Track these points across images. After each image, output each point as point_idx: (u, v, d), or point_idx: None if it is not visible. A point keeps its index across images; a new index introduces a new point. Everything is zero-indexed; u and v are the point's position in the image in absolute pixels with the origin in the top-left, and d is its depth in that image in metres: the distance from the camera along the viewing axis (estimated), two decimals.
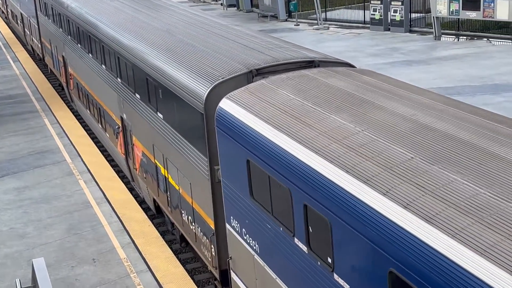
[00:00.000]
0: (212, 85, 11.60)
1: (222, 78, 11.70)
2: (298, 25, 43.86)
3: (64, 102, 28.79)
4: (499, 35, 34.94)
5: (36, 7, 33.33)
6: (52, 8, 28.29)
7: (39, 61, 38.82)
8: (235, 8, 53.00)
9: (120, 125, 18.67)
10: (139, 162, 17.25)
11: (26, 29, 40.58)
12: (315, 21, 43.36)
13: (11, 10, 48.85)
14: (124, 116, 18.02)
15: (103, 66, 19.77)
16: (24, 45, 43.50)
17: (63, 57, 27.37)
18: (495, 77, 27.50)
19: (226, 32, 15.82)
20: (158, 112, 14.68)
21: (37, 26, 34.19)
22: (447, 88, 25.72)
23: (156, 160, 15.50)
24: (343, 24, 42.57)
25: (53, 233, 16.58)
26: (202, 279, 15.09)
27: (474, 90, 25.72)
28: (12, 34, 48.01)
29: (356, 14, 42.39)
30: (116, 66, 18.04)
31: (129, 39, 17.14)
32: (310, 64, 12.15)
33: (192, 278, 14.57)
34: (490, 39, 35.06)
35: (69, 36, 25.15)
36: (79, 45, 23.34)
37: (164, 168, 14.90)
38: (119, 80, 17.99)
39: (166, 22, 18.09)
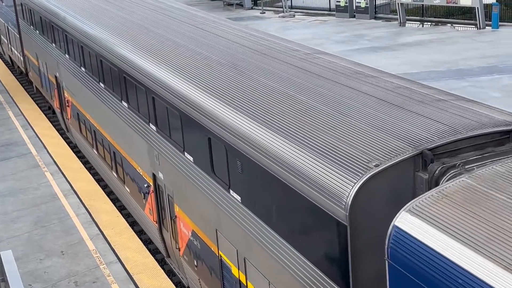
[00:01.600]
0: (362, 179, 7.06)
1: (376, 166, 7.15)
2: (264, 13, 43.82)
3: (28, 94, 28.40)
4: (462, 21, 35.33)
5: (17, 13, 28.08)
6: (41, 17, 23.10)
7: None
8: None
9: (151, 184, 13.95)
10: (185, 242, 12.67)
11: (2, 36, 34.68)
12: (281, 9, 43.35)
13: None
14: (160, 176, 13.28)
15: (125, 104, 14.95)
16: None
17: (56, 77, 22.32)
18: (460, 62, 27.82)
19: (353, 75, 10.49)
20: (237, 195, 9.83)
21: (18, 35, 28.63)
22: (412, 73, 25.95)
23: (221, 253, 10.95)
24: (309, 11, 42.66)
25: (20, 226, 16.38)
26: (172, 268, 15.04)
27: (439, 76, 25.98)
28: None
29: (321, 1, 42.49)
30: (152, 111, 13.13)
31: (174, 79, 12.11)
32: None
33: (162, 268, 14.51)
34: (454, 25, 35.43)
35: (66, 55, 20.11)
36: (83, 68, 18.34)
37: (239, 270, 10.39)
38: (153, 128, 13.25)
39: (232, 53, 12.80)
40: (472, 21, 34.31)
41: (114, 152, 16.65)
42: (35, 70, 26.40)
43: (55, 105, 23.57)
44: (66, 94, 21.33)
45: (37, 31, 24.19)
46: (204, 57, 12.62)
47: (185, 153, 11.60)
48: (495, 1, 34.08)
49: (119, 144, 16.09)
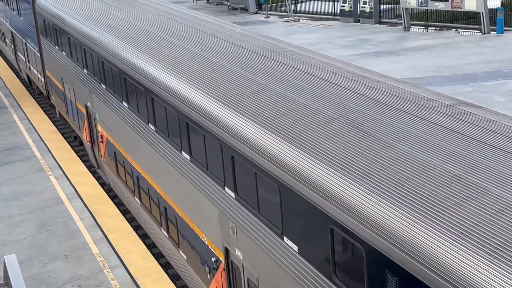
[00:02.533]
0: None
1: None
2: (269, 17, 43.85)
3: (33, 98, 28.47)
4: (467, 26, 35.30)
5: (39, 29, 24.65)
6: (70, 38, 19.82)
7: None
8: (205, 1, 52.83)
9: (221, 259, 11.10)
10: None
11: (19, 53, 30.66)
12: (285, 13, 43.38)
13: (4, 34, 36.33)
14: (238, 254, 10.43)
15: (186, 155, 11.95)
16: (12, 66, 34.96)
17: (86, 108, 19.31)
18: (464, 67, 27.78)
19: None
20: None
21: (38, 54, 25.38)
22: (417, 78, 25.92)
23: None
24: (313, 16, 42.67)
25: (24, 230, 16.40)
26: (176, 273, 15.03)
27: (443, 81, 25.95)
28: None
29: (326, 6, 42.50)
30: (230, 173, 10.17)
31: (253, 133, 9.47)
32: None
33: (166, 272, 14.51)
34: (458, 30, 35.40)
35: (102, 85, 16.95)
36: (125, 104, 15.25)
37: None
38: (230, 194, 10.34)
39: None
40: (477, 26, 34.28)
41: (165, 208, 13.61)
42: (59, 95, 23.20)
43: (84, 137, 20.41)
44: (99, 128, 18.25)
45: (64, 53, 21.04)
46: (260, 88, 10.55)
47: (284, 238, 8.82)
48: (500, 6, 34.04)
49: (174, 200, 12.99)
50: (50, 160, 20.80)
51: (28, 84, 30.28)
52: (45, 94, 26.33)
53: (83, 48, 18.28)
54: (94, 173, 20.34)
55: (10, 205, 17.89)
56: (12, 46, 32.33)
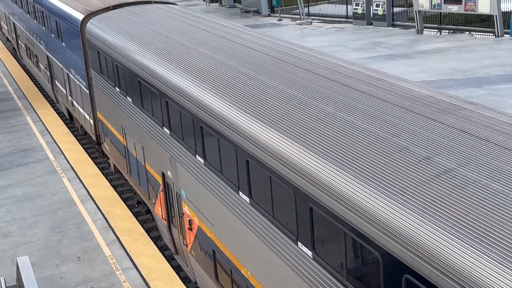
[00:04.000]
0: None
1: None
2: (281, 20, 43.85)
3: (46, 100, 28.59)
4: (481, 28, 35.12)
5: (89, 61, 19.36)
6: (141, 83, 14.49)
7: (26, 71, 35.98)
8: (218, 3, 52.90)
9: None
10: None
11: (58, 83, 25.61)
12: (298, 16, 43.36)
13: (25, 45, 32.72)
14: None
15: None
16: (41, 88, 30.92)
17: (164, 176, 14.20)
18: (478, 70, 27.65)
19: None
20: None
21: (87, 91, 20.33)
22: (430, 81, 25.83)
23: None
24: (326, 18, 42.62)
25: (37, 232, 16.46)
26: (188, 275, 15.04)
27: (457, 84, 25.84)
28: None
29: (338, 9, 42.45)
30: None
31: None
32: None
33: (178, 275, 14.52)
34: (472, 33, 35.24)
35: (199, 157, 11.78)
36: (243, 195, 10.11)
37: None
38: None
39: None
40: (490, 29, 34.11)
41: None
42: (118, 147, 18.12)
43: (158, 213, 15.44)
44: (186, 210, 13.10)
45: (129, 99, 15.77)
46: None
47: None
48: None
49: None
50: (63, 162, 20.88)
51: (68, 120, 25.69)
52: (93, 138, 21.13)
53: (165, 100, 13.03)
54: (106, 175, 20.40)
55: (23, 206, 17.97)
56: (48, 73, 27.05)
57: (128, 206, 17.95)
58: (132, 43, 15.68)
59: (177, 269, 15.28)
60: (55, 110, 27.07)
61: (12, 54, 38.92)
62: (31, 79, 32.52)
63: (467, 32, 35.44)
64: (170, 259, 15.62)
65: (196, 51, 13.63)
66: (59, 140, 22.94)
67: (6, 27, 41.62)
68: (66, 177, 19.66)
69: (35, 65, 30.88)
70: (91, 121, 20.62)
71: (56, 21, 23.18)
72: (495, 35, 33.54)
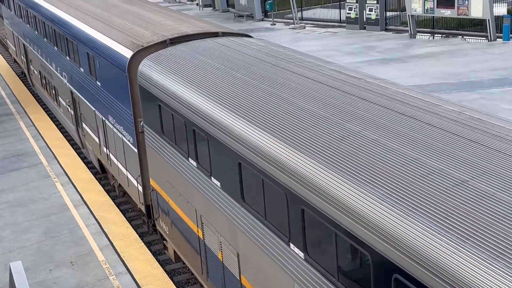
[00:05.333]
0: None
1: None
2: (275, 24, 43.90)
3: (39, 104, 28.53)
4: (473, 33, 35.24)
5: (139, 111, 14.80)
6: (242, 164, 9.72)
7: (19, 71, 35.30)
8: (211, 8, 52.96)
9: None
10: None
11: (86, 127, 20.53)
12: (291, 21, 43.42)
13: (39, 72, 27.81)
14: None
15: None
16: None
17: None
18: (470, 74, 27.74)
19: None
20: None
21: (134, 149, 15.42)
22: (423, 85, 25.89)
23: None
24: (319, 23, 42.69)
25: (30, 237, 16.41)
26: (182, 280, 15.02)
27: (450, 88, 25.91)
28: None
29: (332, 13, 42.53)
30: None
31: None
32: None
33: (172, 280, 14.49)
34: (464, 37, 35.35)
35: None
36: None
37: None
38: None
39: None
40: (483, 33, 34.22)
41: None
42: (186, 235, 13.26)
43: None
44: None
45: (215, 180, 10.92)
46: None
47: None
48: (506, 13, 33.99)
49: None
50: (56, 167, 20.83)
51: (99, 172, 20.98)
52: (141, 208, 16.07)
53: (284, 194, 8.55)
54: (100, 180, 20.36)
55: (16, 211, 17.91)
56: (72, 112, 22.13)
57: (121, 211, 17.91)
58: (214, 100, 10.86)
59: (171, 274, 15.26)
60: (48, 115, 27.00)
61: (18, 76, 34.37)
62: (24, 84, 32.43)
63: (460, 36, 35.55)
64: (163, 264, 15.59)
65: (311, 111, 9.42)
66: (52, 145, 22.89)
67: (14, 48, 35.28)
68: (59, 182, 19.62)
69: (52, 98, 25.83)
70: (139, 188, 15.59)
71: (88, 53, 18.20)
72: (488, 39, 33.65)
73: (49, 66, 24.73)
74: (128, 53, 14.97)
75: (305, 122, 9.05)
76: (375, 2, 38.53)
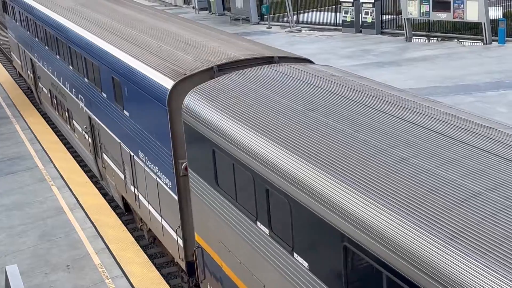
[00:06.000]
0: None
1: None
2: (271, 27, 43.92)
3: (36, 108, 28.50)
4: (469, 36, 35.30)
5: (181, 152, 12.41)
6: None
7: (12, 69, 35.73)
8: (207, 11, 52.97)
9: None
10: None
11: (107, 158, 17.92)
12: (287, 24, 43.45)
13: (49, 91, 25.14)
14: None
15: None
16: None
17: None
18: (466, 77, 27.78)
19: None
20: None
21: (173, 195, 12.88)
22: (419, 89, 25.92)
23: None
24: (315, 26, 42.74)
25: (26, 240, 16.37)
26: (178, 283, 15.00)
27: (445, 91, 25.95)
28: None
29: (328, 17, 42.58)
30: None
31: None
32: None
33: (168, 283, 14.47)
34: (460, 40, 35.42)
35: None
36: None
37: None
38: None
39: None
40: (479, 37, 34.29)
41: None
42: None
43: None
44: None
45: (305, 264, 8.29)
46: None
47: None
48: (501, 17, 34.08)
49: None
50: (52, 170, 20.80)
51: (124, 213, 18.20)
52: (180, 263, 13.60)
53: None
54: (96, 183, 20.34)
55: (12, 215, 17.87)
56: (91, 140, 19.30)
57: (117, 214, 17.89)
58: (294, 153, 8.51)
59: (167, 277, 15.24)
60: (44, 118, 26.96)
61: (23, 91, 31.53)
62: (20, 87, 32.35)
63: (456, 40, 35.62)
64: (160, 267, 15.57)
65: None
66: (48, 148, 22.85)
67: (19, 62, 32.16)
68: (55, 185, 19.59)
69: (64, 120, 23.10)
70: (179, 241, 13.04)
71: (113, 77, 15.67)
72: (484, 43, 33.72)
73: (62, 86, 22.02)
74: (168, 83, 12.29)
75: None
76: (371, 5, 38.58)
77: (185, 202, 12.54)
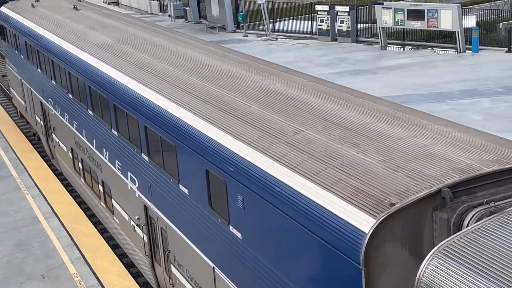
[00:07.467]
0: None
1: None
2: (247, 36, 44.02)
3: (10, 116, 28.21)
4: (443, 44, 35.69)
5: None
6: None
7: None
8: (183, 19, 52.92)
9: None
10: None
11: (177, 270, 11.99)
12: (264, 32, 43.57)
13: (71, 149, 18.82)
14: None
15: None
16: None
17: None
18: (440, 85, 28.05)
19: None
20: None
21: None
22: (394, 96, 26.10)
23: None
24: (291, 34, 42.91)
25: (1, 250, 16.19)
26: None
27: (420, 99, 26.17)
28: None
29: (303, 25, 42.78)
30: None
31: None
32: None
33: None
34: (434, 48, 35.78)
35: None
36: None
37: None
38: None
39: None
40: (453, 45, 34.68)
41: None
42: None
43: None
44: None
45: None
46: None
47: None
48: (475, 25, 34.50)
49: None
50: (26, 179, 20.60)
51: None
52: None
53: None
54: (71, 192, 20.18)
55: None
56: (146, 238, 13.48)
57: (93, 223, 17.76)
58: None
59: (143, 286, 15.15)
60: (18, 127, 26.69)
61: (26, 136, 25.81)
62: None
63: (430, 48, 35.98)
64: (136, 276, 15.47)
65: None
66: (22, 157, 22.63)
67: (22, 103, 25.24)
68: (30, 194, 19.40)
69: (97, 197, 16.97)
70: None
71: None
72: (457, 51, 34.10)
73: (96, 151, 15.94)
74: (362, 223, 6.69)
75: None
76: (346, 14, 38.84)
77: None
